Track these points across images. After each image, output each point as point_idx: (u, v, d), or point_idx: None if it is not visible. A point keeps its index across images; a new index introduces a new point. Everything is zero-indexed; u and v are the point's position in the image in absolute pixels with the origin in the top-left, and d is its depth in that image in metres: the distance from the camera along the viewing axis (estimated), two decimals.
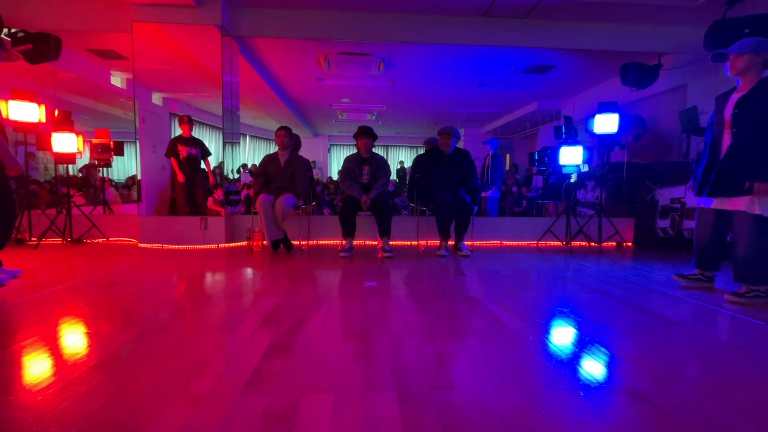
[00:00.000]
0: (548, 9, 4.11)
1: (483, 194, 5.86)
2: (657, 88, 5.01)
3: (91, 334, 1.66)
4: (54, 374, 1.29)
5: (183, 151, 4.66)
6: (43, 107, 4.01)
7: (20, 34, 4.02)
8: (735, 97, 2.33)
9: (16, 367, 1.35)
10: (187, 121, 4.71)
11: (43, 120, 4.06)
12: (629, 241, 4.49)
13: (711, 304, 2.24)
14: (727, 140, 2.33)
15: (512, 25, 4.37)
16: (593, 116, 4.11)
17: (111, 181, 6.28)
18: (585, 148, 4.41)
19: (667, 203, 4.21)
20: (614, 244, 4.36)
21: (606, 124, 4.02)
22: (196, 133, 7.99)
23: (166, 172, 5.04)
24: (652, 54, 4.63)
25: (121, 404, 1.12)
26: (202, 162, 4.87)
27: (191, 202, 4.76)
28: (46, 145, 4.15)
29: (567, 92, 7.01)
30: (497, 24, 4.35)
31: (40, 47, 4.04)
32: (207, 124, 7.97)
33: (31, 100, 3.81)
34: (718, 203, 2.39)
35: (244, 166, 9.42)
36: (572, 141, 4.42)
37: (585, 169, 5.23)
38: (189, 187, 4.72)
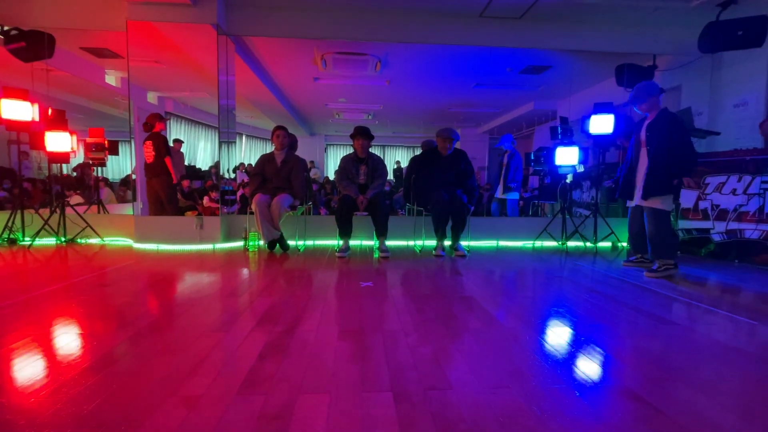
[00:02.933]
0: (544, 10, 4.13)
1: (501, 197, 5.69)
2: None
3: (85, 335, 1.64)
4: (47, 376, 1.28)
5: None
6: (36, 106, 3.97)
7: (13, 32, 3.99)
8: (646, 123, 3.03)
9: (8, 368, 1.34)
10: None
11: (37, 119, 4.03)
12: (624, 241, 4.51)
13: (705, 303, 2.26)
14: (643, 155, 3.04)
15: (508, 26, 4.38)
16: (589, 117, 4.13)
17: (106, 180, 6.24)
18: (581, 148, 4.43)
19: None
20: (610, 244, 4.39)
21: (601, 124, 4.04)
22: (193, 132, 7.95)
23: None
24: (647, 55, 4.66)
25: (115, 406, 1.11)
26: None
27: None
28: (39, 144, 4.11)
29: (563, 93, 7.03)
30: (493, 24, 4.36)
31: (34, 45, 4.01)
32: (203, 124, 7.94)
33: (25, 99, 3.78)
34: (640, 201, 3.04)
35: (241, 165, 9.38)
36: (568, 141, 4.43)
37: (581, 169, 5.26)
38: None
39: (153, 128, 4.47)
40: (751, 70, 4.07)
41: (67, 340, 1.60)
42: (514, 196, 5.61)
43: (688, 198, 4.00)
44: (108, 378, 1.26)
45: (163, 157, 4.46)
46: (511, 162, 5.53)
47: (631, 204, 3.23)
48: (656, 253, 2.96)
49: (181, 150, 6.27)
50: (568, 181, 4.64)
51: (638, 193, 3.06)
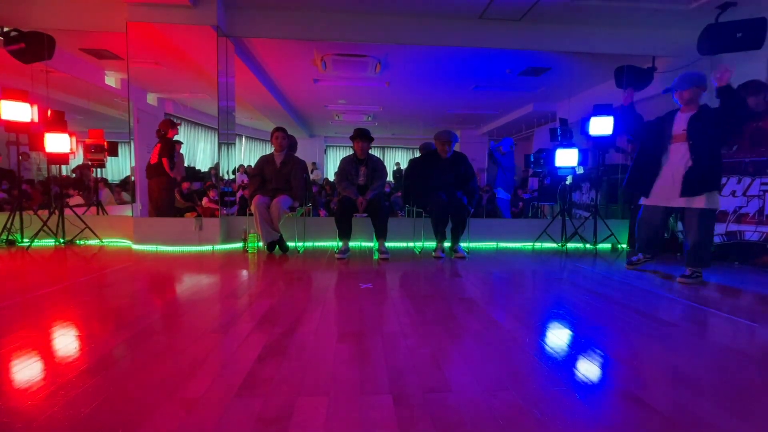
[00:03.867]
0: (543, 12, 4.13)
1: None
2: (651, 90, 5.04)
3: (82, 337, 1.64)
4: (44, 378, 1.27)
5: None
6: (35, 107, 3.97)
7: (13, 33, 3.99)
8: (683, 116, 2.85)
9: (5, 370, 1.33)
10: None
11: (36, 120, 4.02)
12: (624, 243, 4.51)
13: (705, 305, 2.26)
14: (676, 149, 2.84)
15: (508, 28, 4.39)
16: (588, 118, 4.13)
17: (105, 181, 6.23)
18: (580, 150, 4.43)
19: None
20: (609, 245, 4.38)
21: (601, 126, 4.04)
22: (193, 133, 7.98)
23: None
24: (646, 57, 4.67)
25: (112, 408, 1.10)
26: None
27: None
28: (38, 146, 4.10)
29: (562, 94, 7.04)
30: (493, 26, 4.37)
31: (33, 46, 4.01)
32: (202, 125, 7.94)
33: (24, 100, 3.77)
34: (679, 202, 2.82)
35: (240, 166, 9.38)
36: (567, 143, 4.43)
37: (580, 171, 5.26)
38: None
39: (166, 135, 4.62)
40: (750, 72, 4.07)
41: (65, 341, 1.59)
42: (505, 195, 5.64)
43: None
44: (106, 380, 1.26)
45: (161, 157, 4.51)
46: (501, 161, 5.61)
47: (654, 203, 2.96)
48: (700, 262, 2.75)
49: (181, 151, 6.29)
50: (567, 182, 4.63)
51: (674, 191, 2.81)
